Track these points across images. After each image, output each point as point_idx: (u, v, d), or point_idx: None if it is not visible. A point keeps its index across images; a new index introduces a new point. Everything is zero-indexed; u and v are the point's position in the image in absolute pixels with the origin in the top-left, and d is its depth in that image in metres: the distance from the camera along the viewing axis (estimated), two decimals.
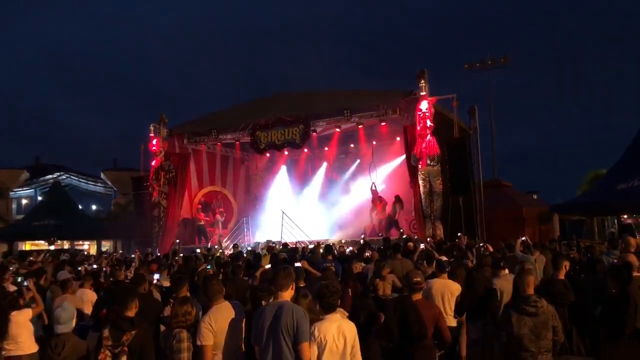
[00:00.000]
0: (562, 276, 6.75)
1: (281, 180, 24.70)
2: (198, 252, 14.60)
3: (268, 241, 18.57)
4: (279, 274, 4.57)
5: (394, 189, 20.44)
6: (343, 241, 16.22)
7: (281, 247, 14.65)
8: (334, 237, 19.86)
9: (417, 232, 16.88)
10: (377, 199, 20.78)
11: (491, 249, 11.65)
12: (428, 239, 14.32)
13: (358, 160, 23.32)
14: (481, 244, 12.14)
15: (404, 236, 15.48)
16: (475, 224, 15.78)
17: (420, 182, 16.11)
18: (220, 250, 13.61)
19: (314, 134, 20.01)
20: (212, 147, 23.21)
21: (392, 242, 12.70)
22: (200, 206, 22.67)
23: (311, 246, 15.50)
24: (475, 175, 16.18)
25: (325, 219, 22.09)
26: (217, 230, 22.48)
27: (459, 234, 13.94)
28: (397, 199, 19.55)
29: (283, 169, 24.86)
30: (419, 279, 5.65)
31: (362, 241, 15.14)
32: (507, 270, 7.39)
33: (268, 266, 9.20)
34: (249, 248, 17.73)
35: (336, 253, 11.84)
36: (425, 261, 8.84)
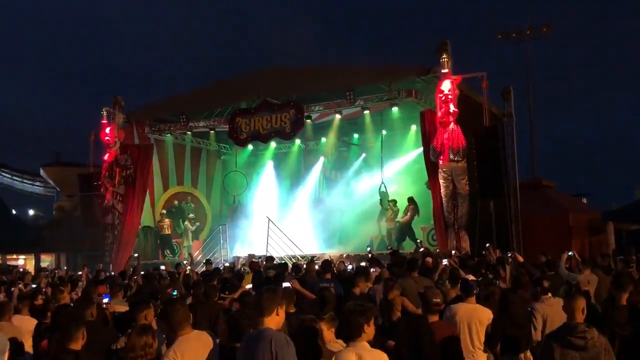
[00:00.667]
0: (624, 301, 6.70)
1: (267, 180, 24.73)
2: (162, 270, 14.55)
3: (250, 255, 18.56)
4: (263, 295, 4.54)
5: (408, 191, 20.44)
6: (344, 255, 16.23)
7: (266, 262, 14.62)
8: (332, 251, 19.84)
9: (437, 244, 16.90)
10: (386, 203, 20.82)
11: (521, 259, 11.66)
12: (453, 253, 14.33)
13: (363, 155, 23.36)
14: (509, 254, 12.21)
15: (421, 250, 15.44)
16: (510, 234, 15.79)
17: (442, 181, 16.12)
18: (190, 268, 13.57)
19: (309, 121, 20.02)
20: (180, 137, 23.19)
21: (407, 257, 12.69)
22: (165, 211, 22.70)
23: (304, 262, 15.45)
24: (509, 174, 16.18)
25: (322, 228, 22.10)
26: (186, 242, 22.53)
27: (487, 245, 13.97)
28: (412, 203, 19.57)
29: (269, 165, 24.87)
30: (438, 300, 5.79)
31: (369, 255, 15.16)
32: (550, 293, 7.39)
33: (250, 286, 9.16)
34: (226, 264, 17.69)
35: (335, 270, 11.81)
36: (448, 281, 8.83)
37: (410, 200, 19.57)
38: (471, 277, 8.86)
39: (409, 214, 19.49)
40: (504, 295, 7.23)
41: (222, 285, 10.11)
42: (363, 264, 13.43)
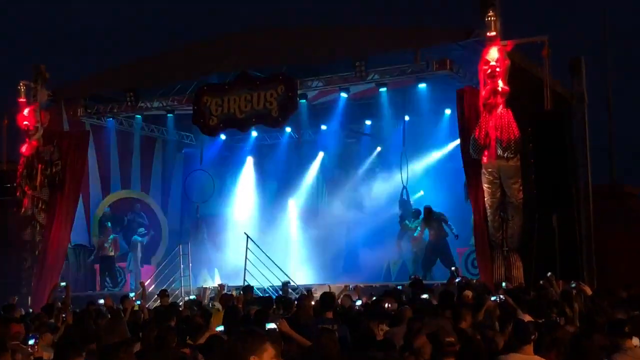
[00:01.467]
0: None
1: (246, 182, 24.70)
2: (100, 304, 14.47)
3: (221, 286, 18.44)
4: (239, 342, 4.44)
5: (440, 199, 20.39)
6: (351, 287, 16.13)
7: (244, 295, 14.54)
8: (335, 281, 19.77)
9: (479, 272, 16.86)
10: (410, 215, 20.72)
11: (589, 292, 11.53)
12: (504, 285, 14.28)
13: (378, 149, 23.37)
14: (572, 284, 12.07)
15: (457, 279, 15.38)
16: (579, 258, 15.75)
17: (486, 186, 16.07)
18: (139, 302, 13.45)
19: (304, 101, 19.98)
20: (127, 122, 23.14)
21: (437, 290, 12.57)
22: (105, 224, 22.59)
23: (296, 295, 15.31)
24: (579, 177, 16.14)
25: (321, 250, 22.07)
26: (134, 267, 22.44)
27: (548, 275, 13.92)
28: (442, 218, 19.49)
29: (249, 162, 24.86)
30: (452, 340, 6.07)
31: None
32: (636, 340, 7.39)
33: (221, 328, 9.10)
34: (189, 297, 17.59)
35: (339, 307, 11.72)
36: (497, 323, 8.82)
37: (427, 212, 19.52)
38: (527, 318, 8.79)
39: (441, 230, 19.42)
40: (574, 342, 7.19)
41: (183, 327, 10.01)
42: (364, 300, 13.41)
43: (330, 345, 6.98)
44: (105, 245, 22.04)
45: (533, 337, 6.95)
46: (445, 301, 9.18)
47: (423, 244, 20.05)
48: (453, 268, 17.62)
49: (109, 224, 22.50)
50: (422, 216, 20.04)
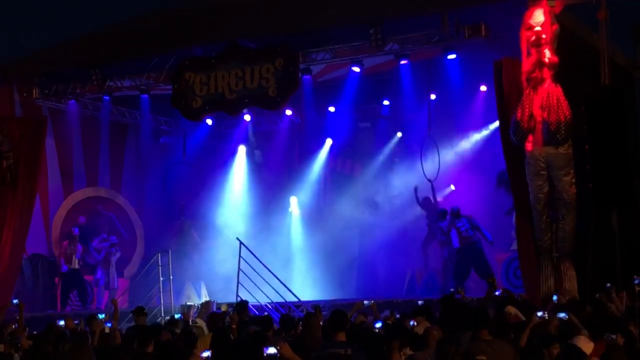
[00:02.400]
0: None
1: (237, 177, 24.76)
2: (62, 325, 14.45)
3: (207, 303, 18.43)
4: None
5: (474, 195, 20.38)
6: (366, 303, 16.09)
7: (237, 313, 14.52)
8: (347, 296, 19.77)
9: (523, 283, 16.82)
10: (439, 216, 20.73)
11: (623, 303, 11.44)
12: (555, 299, 14.24)
13: (399, 134, 23.38)
14: (608, 286, 12.07)
15: (497, 292, 15.37)
16: None
17: (530, 179, 16.06)
18: (109, 325, 13.39)
19: (307, 77, 19.99)
20: (93, 105, 23.14)
21: (470, 305, 12.49)
22: (67, 230, 22.63)
23: (300, 313, 15.28)
24: None
25: (329, 257, 22.11)
26: (104, 280, 22.47)
27: (607, 286, 13.87)
28: (458, 214, 19.49)
29: (241, 152, 24.93)
30: (484, 358, 5.67)
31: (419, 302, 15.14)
32: None
33: (207, 354, 9.08)
34: (174, 316, 17.62)
35: (353, 327, 11.70)
36: (546, 344, 8.76)
37: (454, 215, 19.50)
38: (583, 340, 8.75)
39: (474, 232, 19.40)
40: None
41: (162, 353, 9.98)
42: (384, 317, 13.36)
43: None
44: (75, 257, 22.02)
45: None
46: (479, 320, 9.09)
47: (453, 247, 20.00)
48: (489, 280, 17.57)
49: (77, 230, 22.51)
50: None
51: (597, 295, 13.67)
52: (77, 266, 22.14)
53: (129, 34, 20.55)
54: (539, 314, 11.05)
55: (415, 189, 21.32)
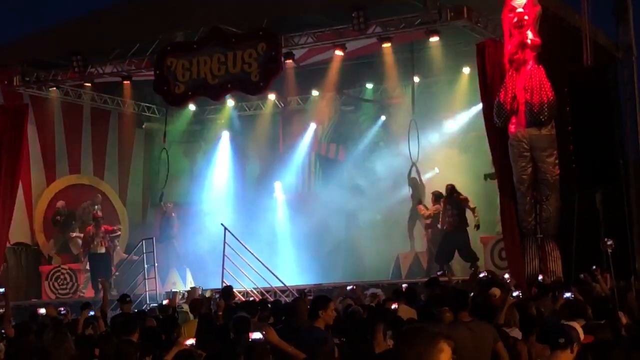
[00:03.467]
0: None
1: (221, 163, 24.75)
2: (42, 313, 14.41)
3: (193, 289, 18.41)
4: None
5: (458, 177, 20.40)
6: (349, 288, 16.10)
7: (222, 299, 14.51)
8: (332, 280, 19.76)
9: (508, 265, 16.89)
10: (421, 198, 20.76)
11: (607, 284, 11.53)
12: (540, 278, 14.27)
13: (382, 118, 23.40)
14: (594, 268, 12.13)
15: (482, 274, 15.40)
16: (630, 246, 15.75)
17: (514, 160, 16.09)
18: (91, 313, 13.34)
19: (289, 61, 19.93)
20: (74, 92, 23.05)
21: (454, 288, 12.54)
22: (50, 219, 22.60)
23: (286, 298, 15.28)
24: (628, 147, 16.09)
25: (314, 242, 22.14)
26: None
27: (593, 268, 13.92)
28: (452, 193, 19.46)
29: (225, 137, 24.91)
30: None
31: (403, 285, 15.13)
32: None
33: (192, 341, 9.07)
34: (155, 304, 17.59)
35: (338, 312, 11.74)
36: (529, 331, 8.86)
37: (450, 191, 19.44)
38: (576, 325, 8.83)
39: (459, 213, 19.32)
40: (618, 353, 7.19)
41: (147, 340, 9.97)
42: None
43: (326, 356, 6.97)
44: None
45: (575, 345, 6.84)
46: (459, 302, 9.11)
47: (437, 228, 19.97)
48: (471, 267, 17.60)
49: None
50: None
51: (582, 275, 13.75)
52: (102, 250, 22.03)
53: (111, 20, 20.42)
54: (515, 294, 11.13)
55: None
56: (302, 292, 15.85)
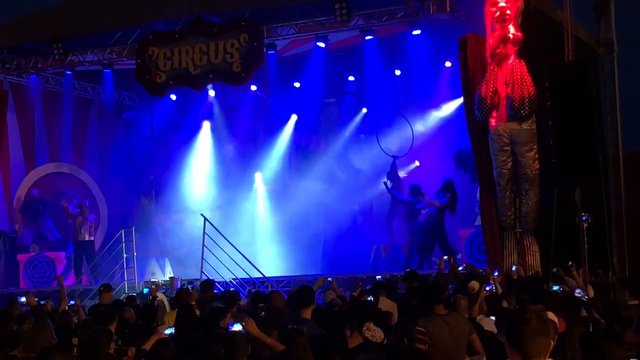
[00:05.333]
0: None
1: (202, 152, 24.74)
2: (23, 301, 14.37)
3: (172, 279, 18.39)
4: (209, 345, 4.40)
5: (438, 169, 20.44)
6: (329, 279, 16.10)
7: (201, 291, 14.49)
8: (312, 271, 19.78)
9: (487, 259, 16.93)
10: (400, 189, 20.79)
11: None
12: (514, 269, 14.31)
13: (364, 110, 23.42)
14: (570, 264, 12.20)
15: (460, 268, 15.46)
16: (608, 241, 15.82)
17: (494, 155, 16.13)
18: (72, 303, 13.31)
19: (272, 52, 19.93)
20: (55, 80, 22.97)
21: (432, 279, 12.58)
22: (27, 206, 22.55)
23: (265, 290, 15.27)
24: (608, 142, 16.15)
25: (294, 233, 22.17)
26: (61, 257, 22.39)
27: (569, 264, 13.98)
28: (447, 187, 19.48)
29: (206, 128, 24.90)
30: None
31: (379, 278, 15.13)
32: None
33: (170, 331, 9.07)
34: (133, 294, 17.57)
35: (315, 305, 11.77)
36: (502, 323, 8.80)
37: (446, 185, 19.45)
38: (553, 317, 8.88)
39: (439, 207, 19.36)
40: (592, 342, 7.27)
41: (123, 330, 9.95)
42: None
43: (299, 349, 6.99)
44: (83, 228, 21.77)
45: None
46: (433, 295, 9.16)
47: (418, 222, 20.00)
48: (445, 257, 17.59)
49: (86, 202, 22.31)
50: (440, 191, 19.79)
51: (555, 269, 13.83)
52: (87, 238, 21.89)
53: (92, 8, 20.30)
54: (488, 287, 11.22)
55: (385, 184, 21.16)
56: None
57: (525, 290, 11.85)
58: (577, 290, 11.56)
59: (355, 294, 13.97)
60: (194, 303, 12.47)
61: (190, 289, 15.10)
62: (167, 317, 11.64)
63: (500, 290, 11.45)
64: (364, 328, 8.43)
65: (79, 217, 21.80)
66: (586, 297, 11.78)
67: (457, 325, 8.83)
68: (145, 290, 16.97)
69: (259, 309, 11.66)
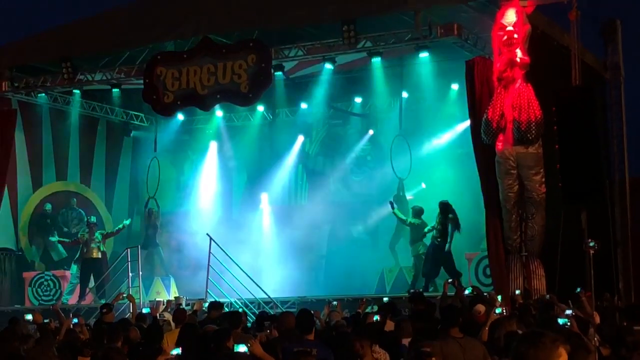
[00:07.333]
0: None
1: (208, 173, 24.68)
2: (29, 321, 14.35)
3: (177, 299, 18.35)
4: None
5: (444, 193, 20.35)
6: (334, 303, 16.07)
7: (208, 312, 14.45)
8: (316, 293, 19.74)
9: (493, 282, 16.87)
10: (408, 214, 20.70)
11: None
12: (518, 292, 14.24)
13: (370, 132, 23.38)
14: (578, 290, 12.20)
15: (466, 292, 15.39)
16: (614, 265, 15.77)
17: (500, 178, 16.10)
18: (75, 320, 13.28)
19: (280, 74, 19.91)
20: (63, 99, 22.98)
21: (442, 304, 12.53)
22: (34, 223, 22.52)
23: (272, 311, 15.22)
24: (615, 166, 16.12)
25: (300, 254, 22.10)
26: (67, 275, 22.34)
27: (578, 290, 13.92)
28: (446, 210, 19.42)
29: (213, 148, 24.85)
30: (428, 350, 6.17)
31: (386, 299, 15.09)
32: None
33: (176, 352, 9.04)
34: (139, 311, 17.54)
35: (320, 324, 11.71)
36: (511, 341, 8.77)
37: (444, 206, 19.39)
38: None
39: (445, 230, 19.30)
40: None
41: (129, 350, 9.93)
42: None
43: None
44: (92, 245, 21.68)
45: None
46: (449, 318, 9.13)
47: (423, 247, 19.93)
48: (450, 280, 17.53)
49: (93, 219, 22.27)
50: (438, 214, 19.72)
51: (547, 296, 13.78)
52: (95, 255, 21.73)
53: (101, 28, 20.39)
54: (497, 310, 11.17)
55: (391, 203, 21.06)
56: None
57: (532, 315, 11.83)
58: (567, 312, 11.47)
59: (359, 310, 13.94)
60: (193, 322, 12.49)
61: (189, 309, 15.08)
62: (167, 337, 11.58)
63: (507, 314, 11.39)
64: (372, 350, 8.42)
65: (86, 236, 21.78)
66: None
67: (471, 349, 8.80)
68: (146, 310, 16.93)
69: (266, 328, 11.66)
